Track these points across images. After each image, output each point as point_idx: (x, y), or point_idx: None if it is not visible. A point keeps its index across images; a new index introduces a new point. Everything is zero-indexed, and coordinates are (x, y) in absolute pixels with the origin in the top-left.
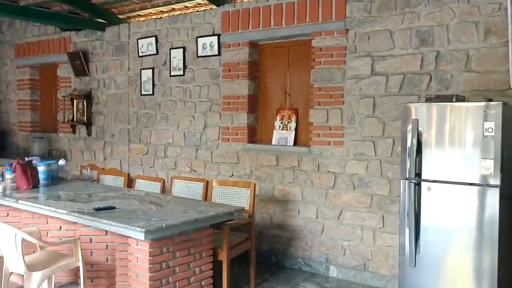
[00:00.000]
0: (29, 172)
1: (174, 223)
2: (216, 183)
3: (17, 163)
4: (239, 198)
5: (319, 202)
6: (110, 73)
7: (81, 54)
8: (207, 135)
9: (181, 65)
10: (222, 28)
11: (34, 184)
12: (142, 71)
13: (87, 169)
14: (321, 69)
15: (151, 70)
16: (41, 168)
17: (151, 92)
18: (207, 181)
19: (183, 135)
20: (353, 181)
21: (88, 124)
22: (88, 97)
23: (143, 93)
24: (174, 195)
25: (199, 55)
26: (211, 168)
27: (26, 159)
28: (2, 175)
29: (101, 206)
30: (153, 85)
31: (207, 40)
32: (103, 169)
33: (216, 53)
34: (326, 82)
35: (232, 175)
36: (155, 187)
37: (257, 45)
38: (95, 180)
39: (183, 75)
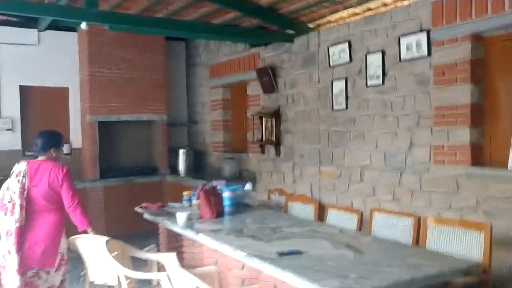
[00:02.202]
0: (213, 200)
1: (381, 286)
2: (433, 221)
3: (201, 190)
4: (465, 244)
5: None
6: (298, 88)
7: (269, 70)
8: (413, 156)
9: (379, 72)
10: (432, 22)
11: (217, 213)
12: (334, 82)
13: (275, 194)
14: None
15: (343, 81)
16: (226, 194)
17: (344, 106)
18: (419, 218)
19: (382, 156)
20: None
21: (277, 144)
22: (276, 114)
23: (334, 107)
24: (374, 233)
25: (402, 58)
26: (420, 197)
27: (212, 183)
28: (190, 200)
29: (285, 251)
30: (346, 97)
31: (413, 38)
32: (292, 194)
33: (425, 53)
34: None
35: (450, 208)
36: (351, 221)
37: (482, 39)
38: (282, 207)
39: (382, 84)
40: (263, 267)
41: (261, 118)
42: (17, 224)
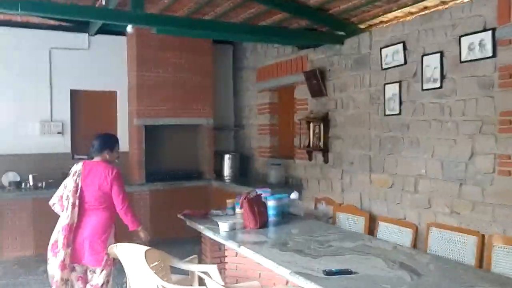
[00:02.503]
0: (257, 209)
1: None
2: (500, 240)
3: (245, 198)
4: None
5: None
6: (348, 91)
7: (317, 72)
8: (475, 166)
9: (437, 75)
10: (498, 19)
11: (261, 223)
12: (386, 86)
13: (322, 204)
14: None
15: (397, 85)
16: (270, 203)
17: (397, 111)
18: (483, 236)
19: (440, 165)
20: None
21: (325, 150)
22: (324, 119)
23: (387, 112)
24: (431, 250)
25: (462, 59)
26: (483, 211)
27: (256, 192)
28: (234, 209)
29: (333, 269)
30: (400, 102)
31: (475, 38)
32: (340, 204)
33: (489, 54)
34: None
35: None
36: (404, 236)
37: None
38: (330, 218)
39: (440, 87)
40: (309, 286)
41: (308, 122)
42: (68, 221)
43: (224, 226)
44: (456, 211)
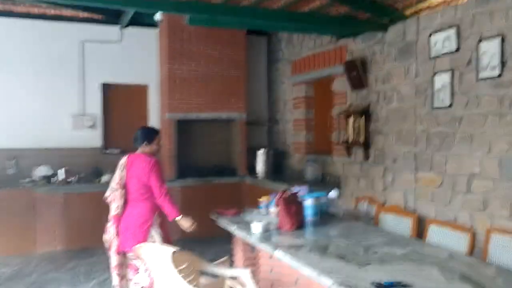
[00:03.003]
0: (293, 209)
1: None
2: None
3: (280, 197)
4: None
5: None
6: (392, 83)
7: (358, 63)
8: None
9: (495, 63)
10: None
11: (298, 224)
12: (436, 76)
13: (364, 203)
14: None
15: (448, 74)
16: (308, 202)
17: (447, 104)
18: None
19: (497, 163)
20: None
21: (365, 146)
22: (365, 113)
23: (436, 105)
24: (491, 259)
25: None
26: None
27: (292, 189)
28: (268, 207)
29: (384, 282)
30: (451, 93)
31: None
32: (383, 204)
33: None
34: None
35: None
36: (459, 242)
37: None
38: (372, 219)
39: (499, 76)
40: None
41: (348, 117)
42: (116, 212)
43: (257, 227)
44: None
